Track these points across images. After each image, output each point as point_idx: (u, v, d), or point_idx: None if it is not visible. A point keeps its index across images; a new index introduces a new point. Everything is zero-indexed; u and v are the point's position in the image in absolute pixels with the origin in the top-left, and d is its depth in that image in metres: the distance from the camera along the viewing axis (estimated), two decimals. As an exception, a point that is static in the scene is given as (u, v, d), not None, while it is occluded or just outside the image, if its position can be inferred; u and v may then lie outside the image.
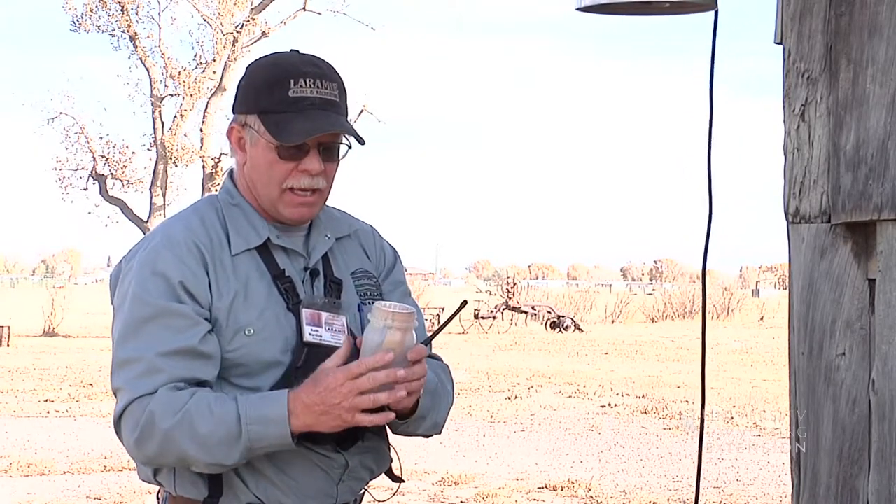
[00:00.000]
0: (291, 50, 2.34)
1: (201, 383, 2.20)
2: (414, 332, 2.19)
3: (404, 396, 2.15)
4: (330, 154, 2.30)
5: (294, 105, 2.25)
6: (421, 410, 2.28)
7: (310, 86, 2.27)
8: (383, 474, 2.42)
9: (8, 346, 22.71)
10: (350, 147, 2.34)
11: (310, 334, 2.24)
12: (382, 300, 2.41)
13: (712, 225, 2.43)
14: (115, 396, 2.23)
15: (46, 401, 13.62)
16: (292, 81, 2.26)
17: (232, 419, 2.14)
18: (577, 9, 2.45)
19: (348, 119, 2.34)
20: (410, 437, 2.40)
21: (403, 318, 2.15)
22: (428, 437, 2.41)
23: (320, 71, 2.29)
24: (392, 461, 2.42)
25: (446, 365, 2.47)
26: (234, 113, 2.35)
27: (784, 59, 1.96)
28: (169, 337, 2.19)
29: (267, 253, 2.31)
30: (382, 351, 2.13)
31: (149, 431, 2.15)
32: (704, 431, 2.56)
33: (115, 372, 2.23)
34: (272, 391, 2.19)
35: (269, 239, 2.31)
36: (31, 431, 11.11)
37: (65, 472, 9.05)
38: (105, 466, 9.27)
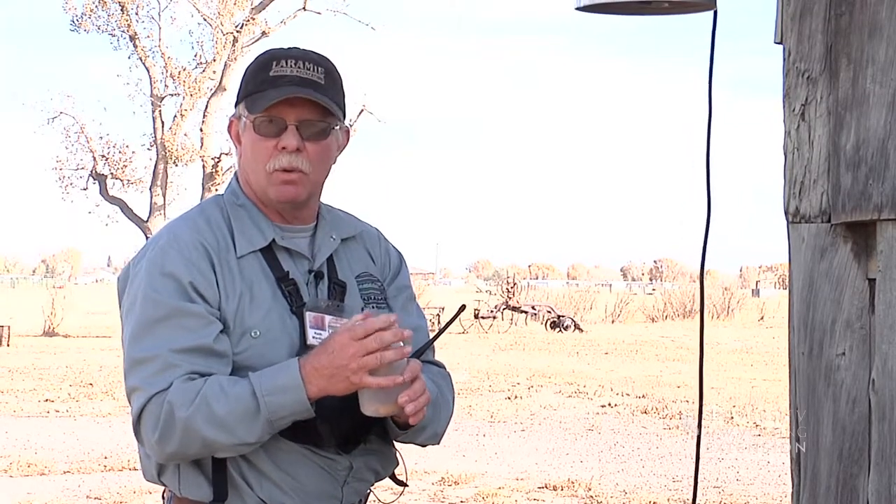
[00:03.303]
0: (290, 47, 2.35)
1: None
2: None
3: (410, 352, 2.16)
4: (310, 133, 2.28)
5: (273, 82, 2.26)
6: (421, 421, 2.26)
7: (291, 66, 2.28)
8: (388, 478, 2.41)
9: (8, 345, 22.68)
10: (334, 128, 2.30)
11: (313, 337, 2.23)
12: (387, 303, 2.40)
13: (711, 225, 2.43)
14: (130, 399, 2.20)
15: (46, 401, 13.62)
16: (275, 63, 2.28)
17: (247, 394, 2.13)
18: (577, 8, 2.45)
19: (340, 105, 2.31)
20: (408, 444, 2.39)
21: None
22: (425, 446, 2.40)
23: (306, 55, 2.31)
24: (398, 464, 2.41)
25: (447, 373, 2.45)
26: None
27: (784, 59, 1.96)
28: (183, 336, 2.18)
29: (271, 255, 2.30)
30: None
31: (170, 425, 2.13)
32: (704, 431, 2.57)
33: (129, 373, 2.20)
34: (282, 362, 2.18)
35: (273, 240, 2.31)
36: (31, 431, 11.11)
37: (65, 472, 9.05)
38: (105, 466, 9.27)
